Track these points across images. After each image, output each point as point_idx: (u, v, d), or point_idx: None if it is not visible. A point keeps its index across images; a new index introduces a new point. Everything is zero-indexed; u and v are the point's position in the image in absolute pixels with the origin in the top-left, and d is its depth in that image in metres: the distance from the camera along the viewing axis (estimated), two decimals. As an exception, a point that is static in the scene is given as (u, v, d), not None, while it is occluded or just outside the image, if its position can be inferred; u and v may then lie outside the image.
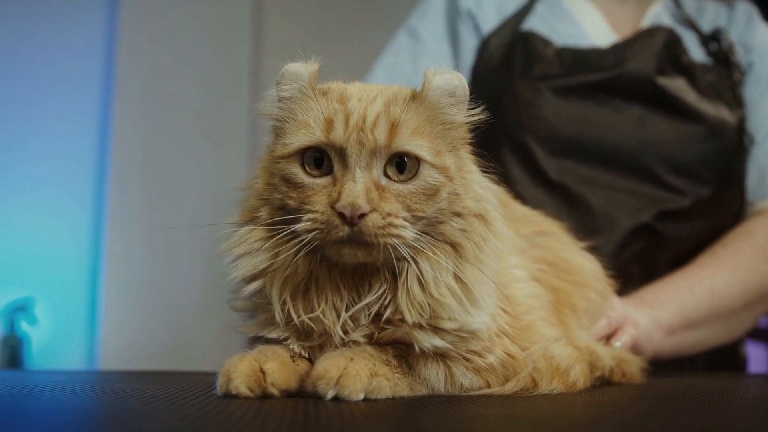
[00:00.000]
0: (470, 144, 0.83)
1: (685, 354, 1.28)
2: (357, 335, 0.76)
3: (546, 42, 1.41)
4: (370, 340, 0.77)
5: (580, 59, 1.39)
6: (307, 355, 0.78)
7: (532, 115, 1.36)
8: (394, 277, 0.76)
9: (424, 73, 0.79)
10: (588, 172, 1.35)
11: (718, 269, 1.30)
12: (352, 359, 0.72)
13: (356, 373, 0.70)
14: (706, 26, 1.48)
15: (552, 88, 1.37)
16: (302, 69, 0.79)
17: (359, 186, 0.73)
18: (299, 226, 0.74)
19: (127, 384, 0.93)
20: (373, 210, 0.72)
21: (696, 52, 1.43)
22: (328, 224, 0.73)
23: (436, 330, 0.76)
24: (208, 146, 2.81)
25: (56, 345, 2.59)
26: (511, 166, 1.35)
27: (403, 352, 0.77)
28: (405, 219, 0.74)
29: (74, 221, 2.67)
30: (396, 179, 0.75)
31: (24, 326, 2.50)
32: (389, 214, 0.73)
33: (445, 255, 0.76)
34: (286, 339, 0.79)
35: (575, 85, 1.37)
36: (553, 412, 0.71)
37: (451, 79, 0.78)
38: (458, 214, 0.77)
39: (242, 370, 0.72)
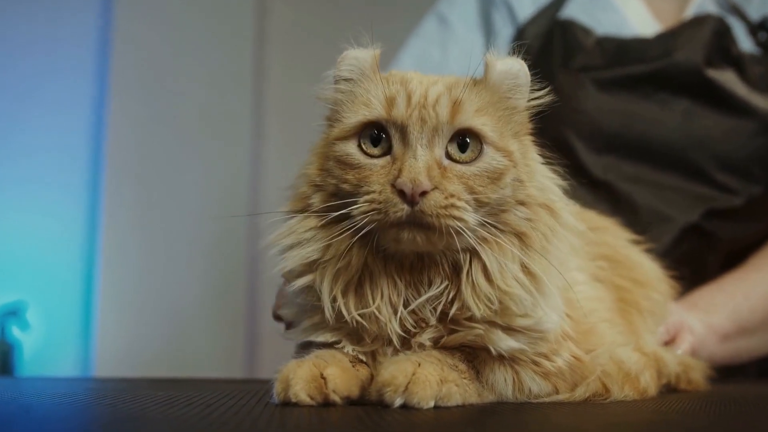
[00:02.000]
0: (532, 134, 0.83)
1: (739, 361, 1.28)
2: (424, 338, 0.76)
3: (586, 31, 1.41)
4: (436, 343, 0.76)
5: (623, 49, 1.39)
6: (365, 360, 0.78)
7: (572, 108, 1.36)
8: (456, 272, 0.75)
9: (485, 59, 0.80)
10: (633, 170, 1.35)
11: None
12: (419, 365, 0.71)
13: (425, 380, 0.69)
14: (754, 15, 1.47)
15: (594, 80, 1.37)
16: (364, 53, 0.81)
17: (421, 163, 0.73)
18: (355, 208, 0.74)
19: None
20: (435, 188, 0.72)
21: (744, 43, 1.43)
22: (387, 203, 0.72)
23: (509, 330, 0.76)
24: (208, 141, 2.80)
25: (49, 351, 2.57)
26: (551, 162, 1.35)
27: (469, 357, 0.77)
28: (467, 203, 0.73)
29: (68, 221, 2.65)
30: (458, 159, 0.75)
31: (15, 332, 2.48)
32: (452, 195, 0.72)
33: (511, 245, 0.75)
34: (337, 343, 0.78)
35: (619, 77, 1.37)
36: (628, 419, 0.71)
37: (513, 64, 0.80)
38: (522, 203, 0.77)
39: (302, 377, 0.71)
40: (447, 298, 0.75)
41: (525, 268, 0.76)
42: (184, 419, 0.65)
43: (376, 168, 0.75)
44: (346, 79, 0.80)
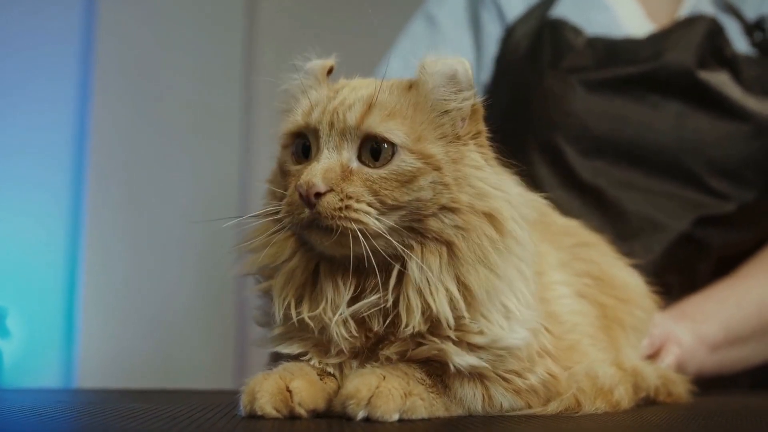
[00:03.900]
0: (493, 143, 0.85)
1: (730, 372, 1.30)
2: (391, 351, 0.78)
3: (576, 31, 1.43)
4: (403, 357, 0.78)
5: (613, 50, 1.41)
6: (332, 372, 0.80)
7: (561, 110, 1.39)
8: (397, 280, 0.78)
9: (421, 60, 0.82)
10: (623, 174, 1.37)
11: (766, 279, 1.31)
12: (384, 377, 0.74)
13: (389, 393, 0.72)
14: (750, 14, 1.49)
15: (583, 81, 1.39)
16: (316, 64, 0.85)
17: (320, 165, 0.77)
18: (280, 212, 0.79)
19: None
20: (331, 190, 0.75)
21: (739, 43, 1.45)
22: (293, 205, 0.77)
23: (471, 347, 0.78)
24: (197, 140, 2.80)
25: (30, 360, 2.58)
26: (539, 167, 1.37)
27: (438, 370, 0.79)
28: (371, 205, 0.76)
29: (49, 223, 2.64)
30: (370, 165, 0.77)
31: (-5, 339, 2.50)
32: (349, 197, 0.75)
33: (438, 255, 0.77)
34: (303, 354, 0.81)
35: (609, 79, 1.39)
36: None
37: (450, 65, 0.81)
38: (449, 209, 0.77)
39: (267, 389, 0.74)
40: (385, 306, 0.77)
41: (460, 281, 0.77)
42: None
43: (297, 174, 0.79)
44: (296, 91, 0.85)
